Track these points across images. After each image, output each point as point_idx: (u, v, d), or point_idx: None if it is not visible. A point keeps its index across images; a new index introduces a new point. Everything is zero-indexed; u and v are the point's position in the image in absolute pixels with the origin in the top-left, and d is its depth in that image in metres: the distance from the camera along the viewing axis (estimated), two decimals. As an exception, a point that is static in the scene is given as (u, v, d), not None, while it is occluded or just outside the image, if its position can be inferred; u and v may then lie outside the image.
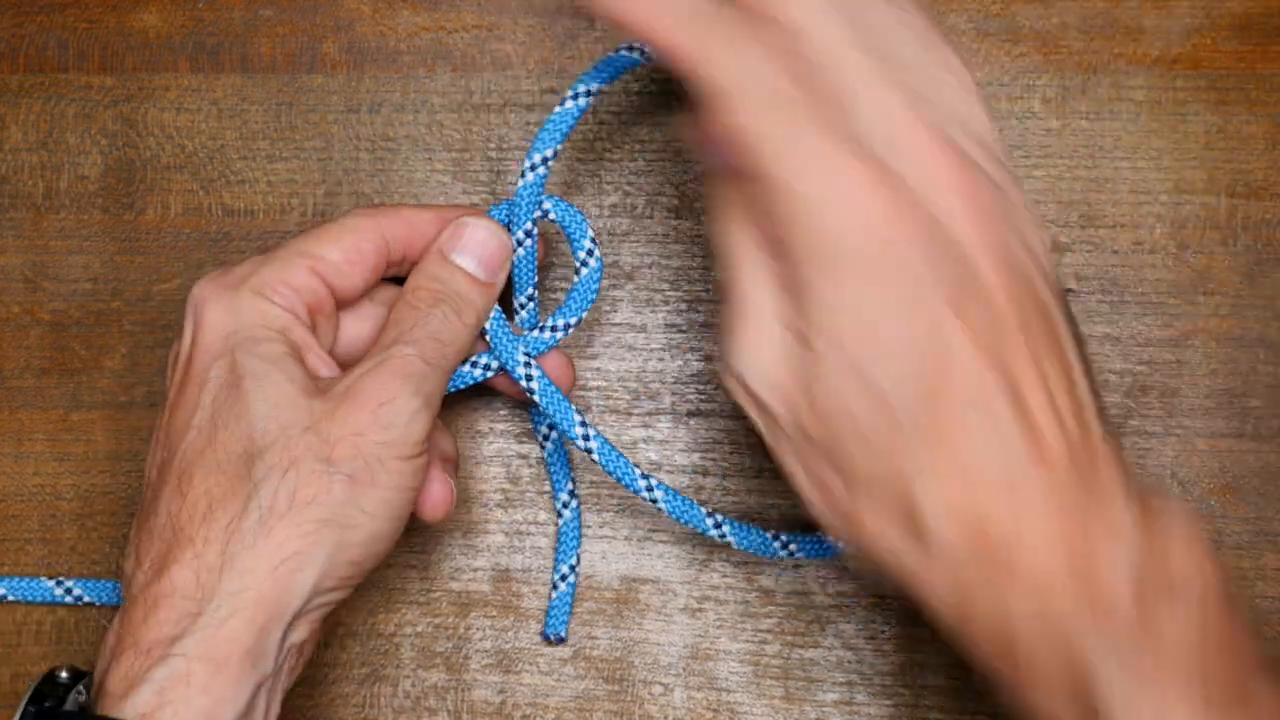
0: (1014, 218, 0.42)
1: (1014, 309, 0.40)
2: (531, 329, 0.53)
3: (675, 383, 0.58)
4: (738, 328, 0.42)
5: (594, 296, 0.52)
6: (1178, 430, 0.57)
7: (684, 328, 0.58)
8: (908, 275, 0.39)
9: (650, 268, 0.58)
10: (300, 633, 0.46)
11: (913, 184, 0.40)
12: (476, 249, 0.51)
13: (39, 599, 0.57)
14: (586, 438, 0.52)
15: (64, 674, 0.47)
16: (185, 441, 0.47)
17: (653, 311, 0.58)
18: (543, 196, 0.52)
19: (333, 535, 0.45)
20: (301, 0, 0.59)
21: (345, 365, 0.53)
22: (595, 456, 0.52)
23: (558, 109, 0.50)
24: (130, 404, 0.58)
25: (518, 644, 0.57)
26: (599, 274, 0.52)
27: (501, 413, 0.58)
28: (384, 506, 0.47)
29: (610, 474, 0.52)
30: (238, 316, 0.49)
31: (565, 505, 0.56)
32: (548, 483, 0.58)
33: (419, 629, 0.57)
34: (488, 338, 0.52)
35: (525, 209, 0.51)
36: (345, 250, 0.50)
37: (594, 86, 0.49)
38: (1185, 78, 0.58)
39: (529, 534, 0.58)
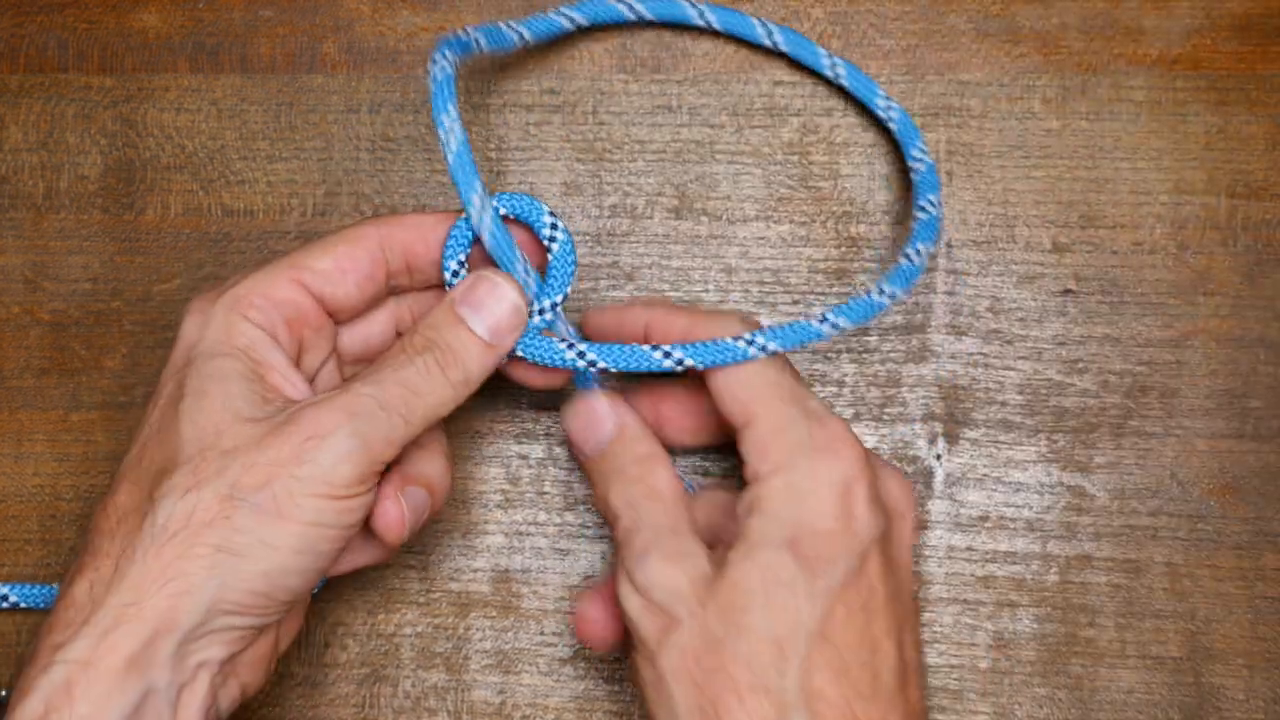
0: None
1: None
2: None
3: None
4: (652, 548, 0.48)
5: (573, 269, 0.51)
6: (1178, 430, 0.57)
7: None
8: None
9: (650, 268, 0.58)
10: (213, 651, 0.45)
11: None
12: (488, 309, 0.48)
13: None
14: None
15: (4, 693, 0.47)
16: (128, 455, 0.48)
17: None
18: (494, 198, 0.50)
19: (226, 562, 0.44)
20: (301, 0, 0.59)
21: (351, 361, 0.53)
22: None
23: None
24: (130, 404, 0.58)
25: (517, 644, 0.57)
26: (570, 246, 0.51)
27: (502, 413, 0.58)
28: (292, 540, 0.45)
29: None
30: (203, 331, 0.48)
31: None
32: (548, 483, 0.58)
33: (419, 629, 0.57)
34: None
35: (486, 218, 0.50)
36: (336, 258, 0.49)
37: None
38: (1185, 78, 0.58)
39: (529, 534, 0.58)
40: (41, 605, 0.57)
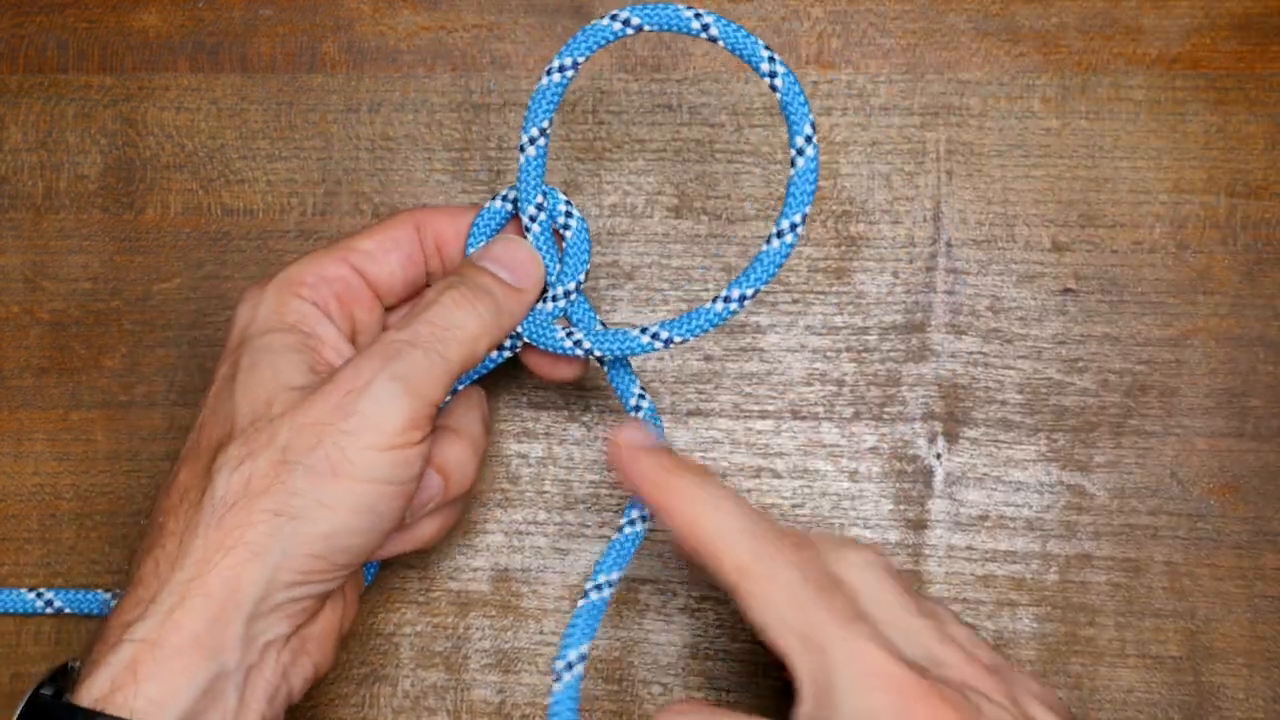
0: None
1: None
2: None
3: (675, 382, 0.58)
4: None
5: (587, 256, 0.51)
6: (1178, 430, 0.57)
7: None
8: None
9: (650, 268, 0.58)
10: (277, 627, 0.45)
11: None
12: (507, 260, 0.50)
13: (17, 609, 0.57)
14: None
15: (75, 664, 0.47)
16: (189, 438, 0.48)
17: (653, 311, 0.58)
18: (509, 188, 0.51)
19: (285, 526, 0.44)
20: (301, 0, 0.59)
21: (384, 296, 0.53)
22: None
23: (540, 82, 0.49)
24: (130, 404, 0.58)
25: (517, 644, 0.57)
26: (585, 234, 0.51)
27: (501, 412, 0.58)
28: (348, 498, 0.45)
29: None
30: (256, 311, 0.49)
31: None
32: (548, 483, 0.58)
33: (418, 629, 0.57)
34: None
35: (529, 188, 0.51)
36: (379, 239, 0.51)
37: (575, 58, 0.49)
38: (1185, 78, 0.58)
39: (528, 534, 0.58)
40: (86, 611, 0.57)
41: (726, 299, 0.48)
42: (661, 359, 0.58)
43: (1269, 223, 0.57)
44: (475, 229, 0.52)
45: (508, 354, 0.52)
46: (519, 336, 0.51)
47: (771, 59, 0.47)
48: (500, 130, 0.59)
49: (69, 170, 0.59)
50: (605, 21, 0.48)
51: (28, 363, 0.59)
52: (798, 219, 0.47)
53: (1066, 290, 0.57)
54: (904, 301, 0.57)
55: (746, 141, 0.58)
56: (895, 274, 0.58)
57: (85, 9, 0.60)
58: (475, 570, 0.58)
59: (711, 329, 0.49)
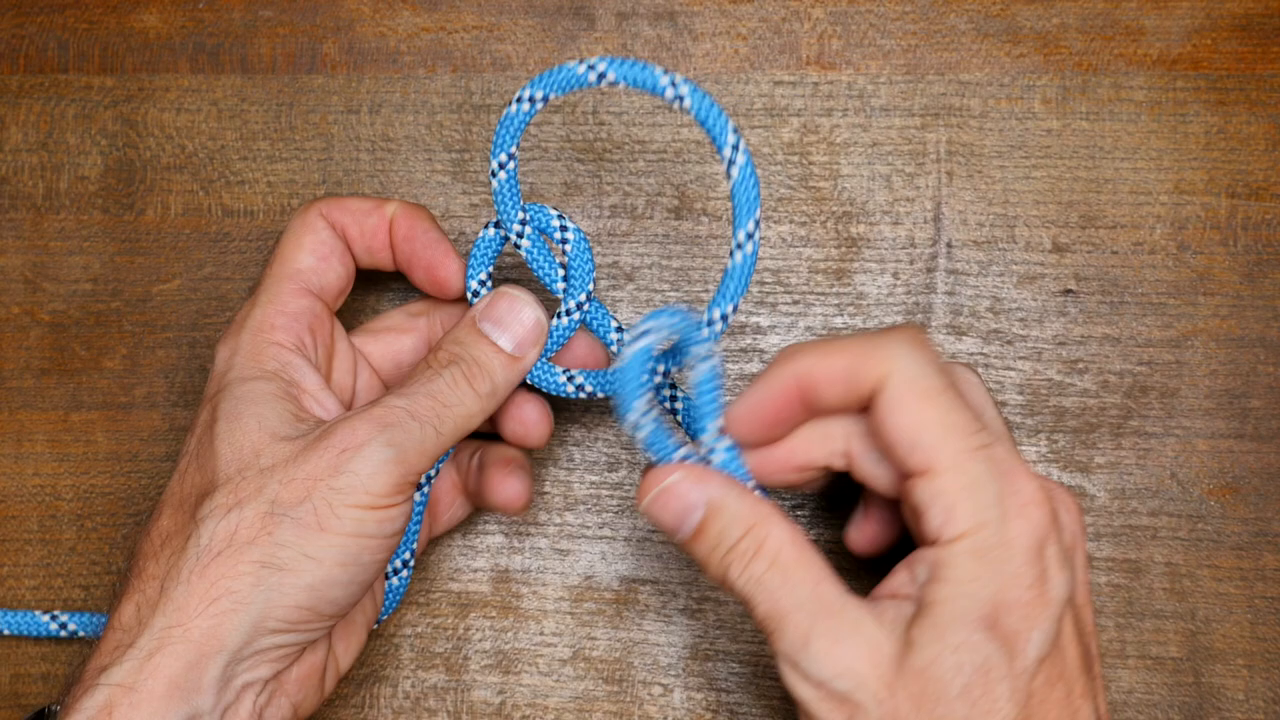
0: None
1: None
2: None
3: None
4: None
5: (591, 267, 0.51)
6: (1178, 430, 0.57)
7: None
8: None
9: (650, 268, 0.58)
10: (256, 671, 0.45)
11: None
12: (507, 320, 0.50)
13: (32, 633, 0.57)
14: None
15: (55, 708, 0.48)
16: (168, 486, 0.48)
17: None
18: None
19: (270, 577, 0.45)
20: (301, 1, 0.59)
21: (388, 380, 0.54)
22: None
23: (509, 109, 0.49)
24: (130, 404, 0.58)
25: (517, 644, 0.57)
26: (584, 244, 0.51)
27: (501, 413, 0.58)
28: (334, 552, 0.45)
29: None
30: (234, 359, 0.49)
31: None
32: (548, 483, 0.58)
33: (418, 629, 0.57)
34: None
35: (508, 208, 0.51)
36: (312, 249, 0.51)
37: (546, 93, 0.48)
38: (1185, 78, 0.58)
39: (529, 534, 0.58)
40: (26, 633, 0.58)
41: (710, 322, 0.47)
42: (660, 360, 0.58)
43: (1269, 223, 0.57)
44: (473, 259, 0.52)
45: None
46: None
47: (735, 133, 0.46)
48: (500, 131, 0.59)
49: (69, 171, 0.59)
50: (579, 68, 0.47)
51: (28, 364, 0.59)
52: (750, 227, 0.46)
53: (1067, 291, 0.57)
54: (904, 303, 0.57)
55: (747, 142, 0.58)
56: (896, 275, 0.58)
57: (85, 10, 0.60)
58: (475, 571, 0.58)
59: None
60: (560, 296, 0.52)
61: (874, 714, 0.42)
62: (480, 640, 0.57)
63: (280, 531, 0.45)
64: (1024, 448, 0.57)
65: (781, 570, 0.44)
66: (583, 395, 0.52)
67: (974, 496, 0.43)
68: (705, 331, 0.47)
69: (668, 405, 0.52)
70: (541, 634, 0.57)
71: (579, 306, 0.51)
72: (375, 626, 0.54)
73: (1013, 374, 0.57)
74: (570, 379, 0.52)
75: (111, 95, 0.59)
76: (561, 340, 0.52)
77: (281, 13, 0.59)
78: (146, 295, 0.59)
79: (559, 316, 0.52)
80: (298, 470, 0.45)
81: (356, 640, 0.52)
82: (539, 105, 0.48)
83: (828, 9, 0.58)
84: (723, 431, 0.47)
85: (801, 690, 0.44)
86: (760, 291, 0.58)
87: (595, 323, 0.52)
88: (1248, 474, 0.57)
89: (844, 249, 0.58)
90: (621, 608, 0.57)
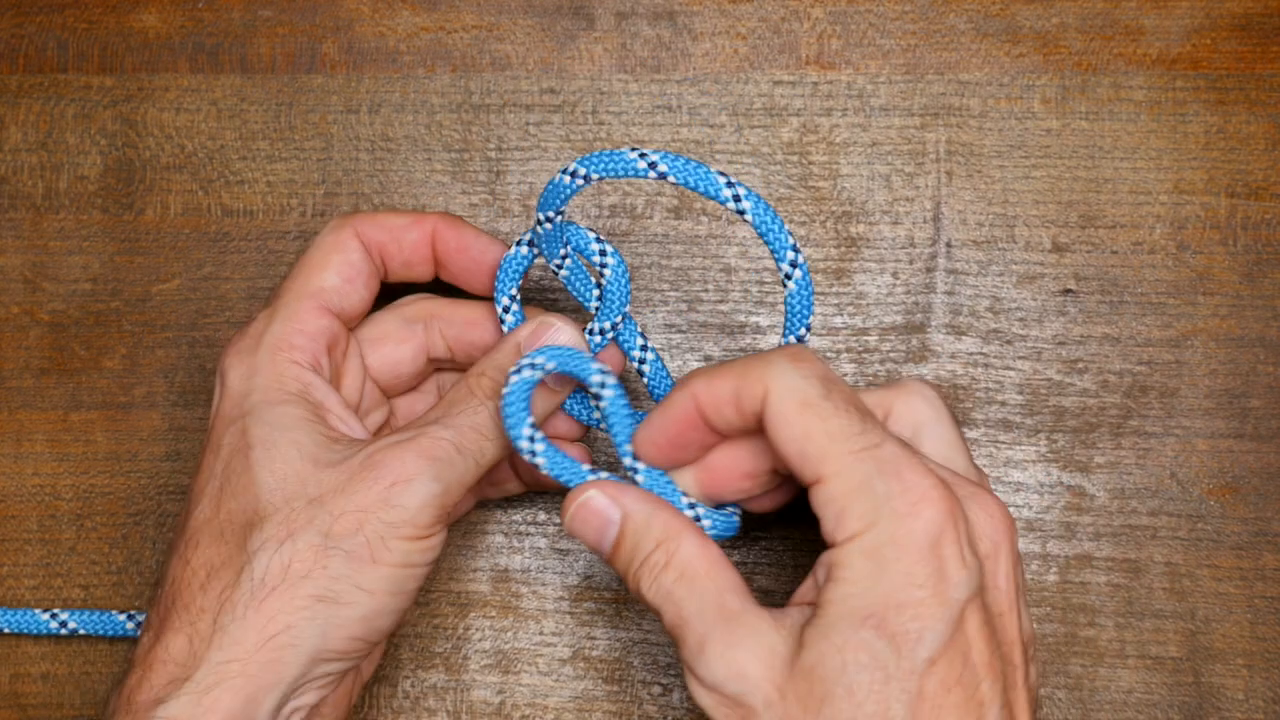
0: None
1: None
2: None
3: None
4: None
5: (627, 294, 0.51)
6: (1178, 430, 0.57)
7: (684, 328, 0.58)
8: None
9: (650, 268, 0.58)
10: (307, 698, 0.46)
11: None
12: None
13: (32, 630, 0.57)
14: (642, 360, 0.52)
15: None
16: (197, 509, 0.48)
17: (653, 312, 0.58)
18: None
19: (326, 611, 0.45)
20: (301, 1, 0.59)
21: (387, 391, 0.53)
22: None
23: (555, 179, 0.48)
24: (130, 404, 0.58)
25: (517, 644, 0.57)
26: (623, 269, 0.51)
27: (501, 413, 0.58)
28: (384, 583, 0.46)
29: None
30: (254, 379, 0.49)
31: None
32: (547, 483, 0.58)
33: (418, 629, 0.57)
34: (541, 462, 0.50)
35: (553, 252, 0.51)
36: (338, 270, 0.51)
37: (588, 171, 0.47)
38: (1185, 78, 0.58)
39: (529, 534, 0.58)
40: (99, 632, 0.57)
41: (601, 386, 0.48)
42: (660, 358, 0.58)
43: (1269, 223, 0.57)
44: (501, 276, 0.51)
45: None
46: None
47: (731, 184, 0.46)
48: (500, 131, 0.59)
49: (69, 171, 0.59)
50: (635, 160, 0.46)
51: (28, 363, 0.59)
52: (801, 333, 0.48)
53: (1067, 291, 0.57)
54: (904, 302, 0.57)
55: (746, 142, 0.58)
56: (895, 275, 0.58)
57: (85, 9, 0.60)
58: (475, 571, 0.58)
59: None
60: (593, 314, 0.52)
61: (765, 717, 0.42)
62: (480, 640, 0.57)
63: (333, 564, 0.45)
64: (1024, 448, 0.57)
65: (688, 581, 0.44)
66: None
67: (862, 497, 0.42)
68: (595, 365, 0.48)
69: (601, 428, 0.52)
70: (541, 634, 0.57)
71: (613, 327, 0.51)
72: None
73: (1012, 374, 0.57)
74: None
75: (111, 95, 0.59)
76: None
77: (281, 13, 0.59)
78: (146, 295, 0.59)
79: (590, 334, 0.51)
80: (348, 502, 0.46)
81: (380, 650, 0.52)
82: (585, 183, 0.47)
83: (827, 9, 0.58)
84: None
85: (700, 696, 0.44)
86: (760, 291, 0.58)
87: (623, 340, 0.52)
88: (1248, 474, 0.57)
89: (843, 249, 0.58)
90: (621, 607, 0.57)
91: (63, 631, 0.57)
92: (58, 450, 0.58)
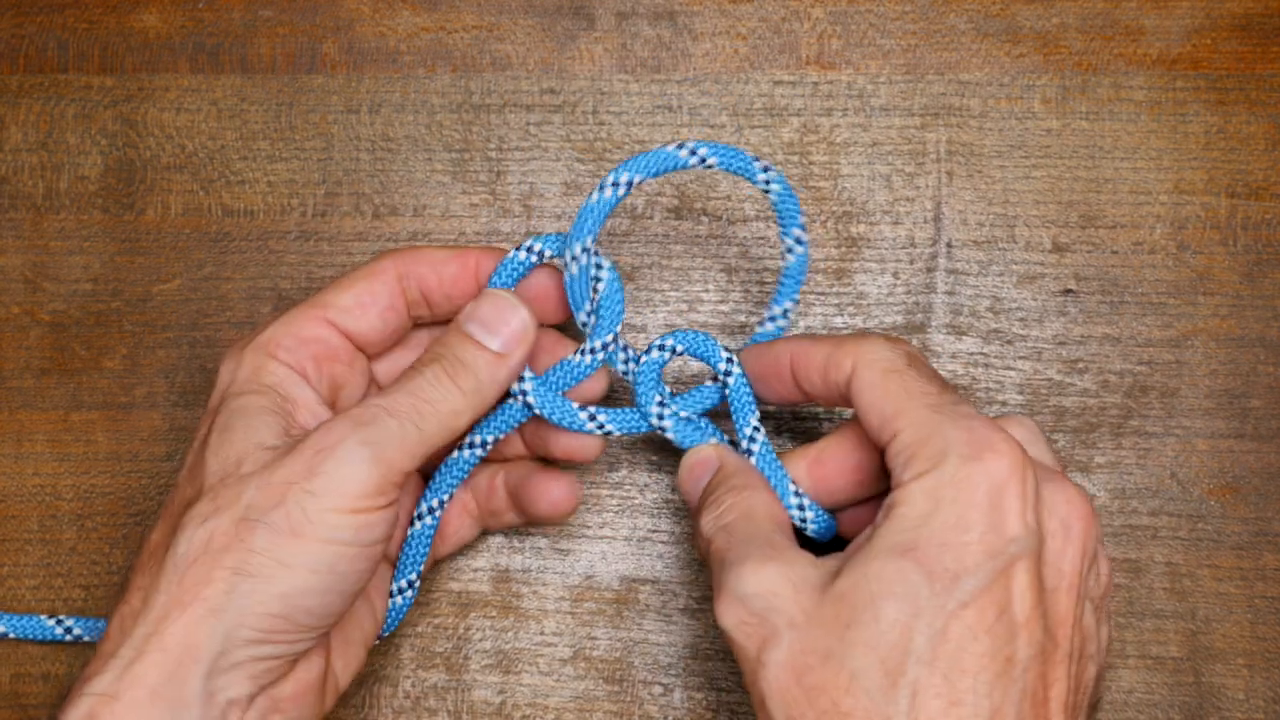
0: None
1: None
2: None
3: (675, 382, 0.58)
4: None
5: (621, 309, 0.51)
6: (1178, 430, 0.57)
7: (684, 328, 0.58)
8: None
9: (650, 268, 0.58)
10: (238, 686, 0.44)
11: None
12: (492, 321, 0.49)
13: (38, 637, 0.57)
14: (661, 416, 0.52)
15: None
16: (167, 498, 0.49)
17: (653, 312, 0.58)
18: (538, 240, 0.51)
19: (241, 584, 0.44)
20: (301, 0, 0.59)
21: (369, 348, 0.53)
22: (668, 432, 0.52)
23: (592, 199, 0.49)
24: (130, 404, 0.58)
25: (517, 644, 0.57)
26: (617, 284, 0.51)
27: (501, 413, 0.58)
28: (306, 558, 0.44)
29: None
30: (235, 374, 0.49)
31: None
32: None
33: (419, 629, 0.57)
34: (533, 402, 0.51)
35: (579, 300, 0.51)
36: (357, 293, 0.50)
37: (628, 177, 0.49)
38: (1185, 78, 0.58)
39: (529, 534, 0.58)
40: (32, 637, 0.58)
41: (728, 374, 0.52)
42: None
43: (1269, 223, 0.57)
44: (495, 281, 0.51)
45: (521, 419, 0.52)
46: (530, 409, 0.51)
47: (803, 228, 0.50)
48: (500, 131, 0.59)
49: (69, 171, 0.59)
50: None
51: (28, 364, 0.59)
52: (794, 299, 0.52)
53: (1067, 291, 0.57)
54: (904, 302, 0.57)
55: (747, 142, 0.58)
56: (896, 275, 0.58)
57: (85, 9, 0.60)
58: (475, 570, 0.58)
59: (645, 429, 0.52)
60: (583, 318, 0.52)
61: (786, 639, 0.42)
62: (480, 640, 0.57)
63: (254, 538, 0.44)
64: (1024, 447, 0.57)
65: (746, 519, 0.47)
66: (602, 433, 0.52)
67: (932, 442, 0.43)
68: (721, 349, 0.52)
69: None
70: (542, 634, 0.57)
71: (604, 347, 0.51)
72: (377, 643, 0.54)
73: (1013, 374, 0.57)
74: (592, 417, 0.51)
75: (111, 95, 0.59)
76: (579, 377, 0.51)
77: (281, 13, 0.59)
78: (146, 295, 0.59)
79: (581, 354, 0.51)
80: (274, 475, 0.45)
81: (355, 657, 0.51)
82: (627, 191, 0.49)
83: (827, 9, 0.58)
84: (758, 429, 0.51)
85: (725, 614, 0.44)
86: (760, 291, 0.58)
87: (700, 349, 0.52)
88: (1248, 474, 0.57)
89: (844, 249, 0.58)
90: (622, 607, 0.57)
91: (67, 638, 0.57)
92: (58, 450, 0.58)
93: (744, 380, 0.51)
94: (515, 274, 0.51)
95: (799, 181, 0.58)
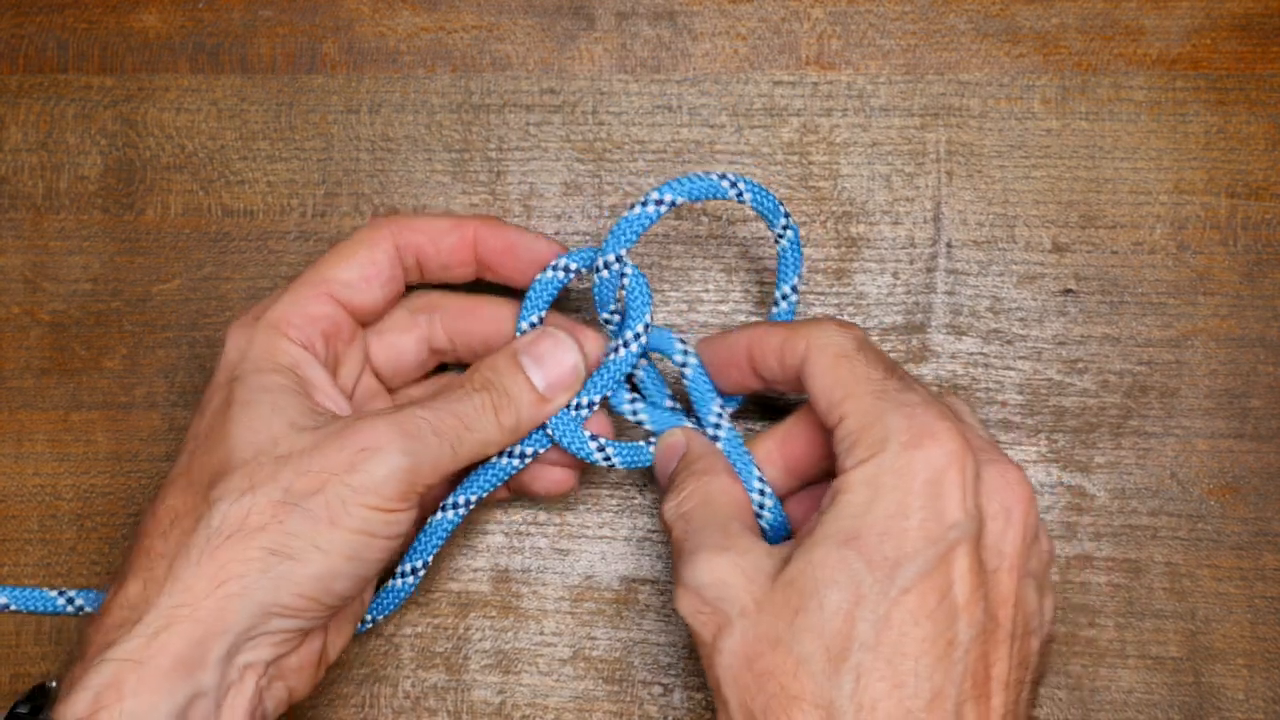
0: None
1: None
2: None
3: (675, 382, 0.58)
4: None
5: (648, 303, 0.52)
6: (1178, 430, 0.57)
7: (684, 328, 0.58)
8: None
9: (650, 268, 0.58)
10: (260, 652, 0.46)
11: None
12: (549, 363, 0.51)
13: (41, 609, 0.57)
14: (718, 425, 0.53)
15: (53, 684, 0.47)
16: (177, 463, 0.48)
17: (653, 312, 0.58)
18: (568, 258, 0.52)
19: (278, 565, 0.45)
20: (301, 0, 0.59)
21: (388, 382, 0.54)
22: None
23: (634, 212, 0.50)
24: (130, 404, 0.58)
25: (517, 644, 0.57)
26: (643, 282, 0.52)
27: (501, 413, 0.58)
28: (341, 546, 0.46)
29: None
30: (247, 350, 0.49)
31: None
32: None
33: (418, 629, 0.57)
34: (552, 433, 0.52)
35: (605, 304, 0.52)
36: (360, 266, 0.51)
37: (671, 197, 0.50)
38: (1185, 78, 0.58)
39: (529, 534, 0.58)
40: (35, 609, 0.58)
41: (684, 365, 0.52)
42: (661, 360, 0.58)
43: (1269, 223, 0.57)
44: (529, 300, 0.52)
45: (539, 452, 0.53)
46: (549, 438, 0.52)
47: (787, 216, 0.52)
48: (500, 131, 0.59)
49: (69, 171, 0.59)
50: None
51: (28, 363, 0.59)
52: (795, 283, 0.53)
53: (1067, 291, 0.57)
54: (904, 302, 0.57)
55: (746, 142, 0.58)
56: (895, 275, 0.58)
57: (85, 9, 0.60)
58: (475, 571, 0.58)
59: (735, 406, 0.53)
60: (605, 315, 0.53)
61: (738, 627, 0.44)
62: (480, 640, 0.57)
63: (291, 520, 0.45)
64: (1024, 447, 0.57)
65: (705, 506, 0.48)
66: (607, 465, 0.52)
67: (874, 430, 0.44)
68: (677, 339, 0.52)
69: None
70: (541, 634, 0.57)
71: (636, 338, 0.52)
72: (366, 626, 0.54)
73: (1013, 374, 0.57)
74: (600, 449, 0.52)
75: (111, 95, 0.59)
76: (624, 370, 0.52)
77: (281, 13, 0.59)
78: (146, 295, 0.59)
79: (615, 350, 0.52)
80: (314, 462, 0.46)
81: (347, 632, 0.52)
82: (667, 209, 0.50)
83: (827, 9, 0.58)
84: (721, 416, 0.52)
85: (681, 602, 0.46)
86: (760, 291, 0.58)
87: (657, 343, 0.53)
88: (1248, 474, 0.57)
89: (844, 249, 0.58)
90: (621, 607, 0.57)
91: (69, 609, 0.57)
92: (58, 450, 0.59)
93: (701, 370, 0.52)
94: (549, 294, 0.52)
95: (799, 181, 0.58)
